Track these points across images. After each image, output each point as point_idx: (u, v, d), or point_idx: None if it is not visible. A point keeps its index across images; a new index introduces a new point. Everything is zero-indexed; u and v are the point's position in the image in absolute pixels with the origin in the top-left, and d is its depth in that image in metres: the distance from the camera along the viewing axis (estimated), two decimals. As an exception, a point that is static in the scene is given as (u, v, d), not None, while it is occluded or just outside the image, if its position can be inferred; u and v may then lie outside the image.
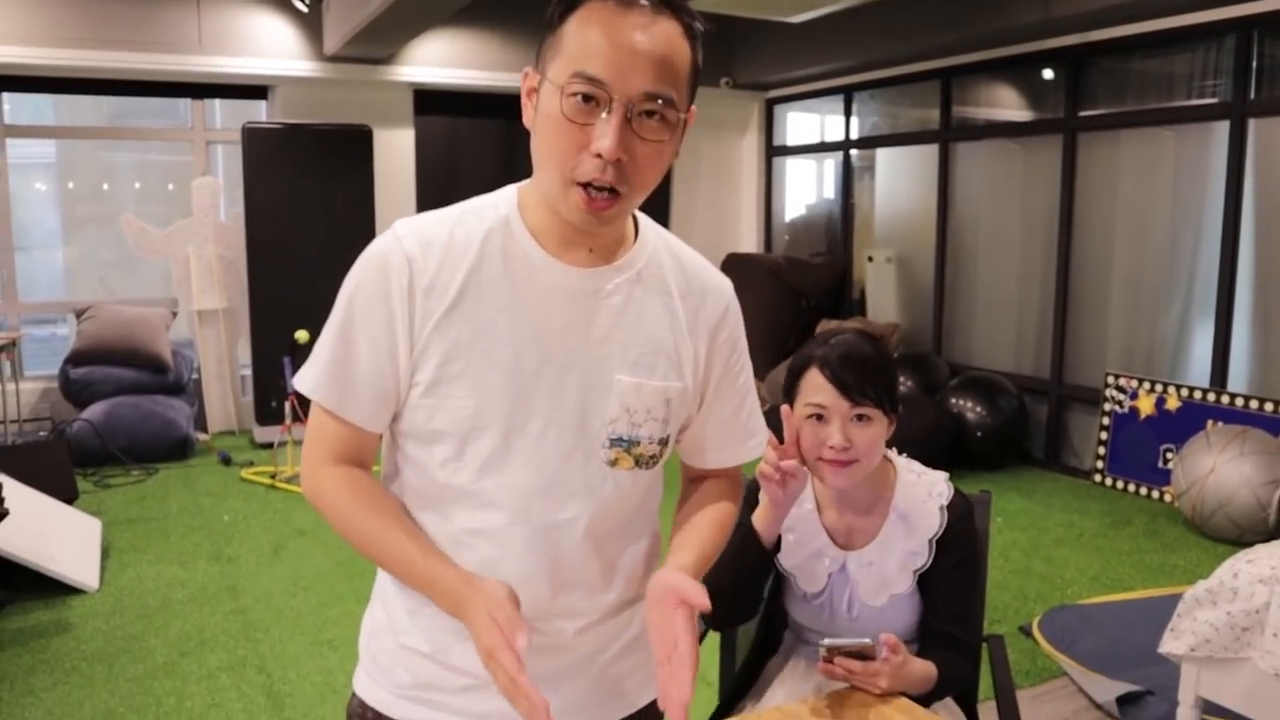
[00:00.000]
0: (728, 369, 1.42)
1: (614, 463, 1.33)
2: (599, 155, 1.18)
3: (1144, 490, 5.58)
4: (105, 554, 4.62)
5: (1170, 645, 2.94)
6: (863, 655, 1.57)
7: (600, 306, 1.31)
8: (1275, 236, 5.24)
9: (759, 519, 1.78)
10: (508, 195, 1.34)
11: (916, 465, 1.91)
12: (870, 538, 1.84)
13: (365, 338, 1.28)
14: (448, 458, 1.30)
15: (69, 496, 5.11)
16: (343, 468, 1.33)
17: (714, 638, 2.18)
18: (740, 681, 1.98)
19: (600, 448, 1.32)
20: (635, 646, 1.45)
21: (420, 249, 1.27)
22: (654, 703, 1.52)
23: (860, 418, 1.75)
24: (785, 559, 1.88)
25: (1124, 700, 3.31)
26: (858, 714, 1.54)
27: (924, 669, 1.66)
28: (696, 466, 1.51)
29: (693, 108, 1.27)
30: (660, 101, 1.19)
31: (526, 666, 1.21)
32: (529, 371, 1.28)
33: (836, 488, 1.83)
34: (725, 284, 1.44)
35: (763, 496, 1.77)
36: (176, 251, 6.78)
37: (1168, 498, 5.42)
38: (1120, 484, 5.70)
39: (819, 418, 1.76)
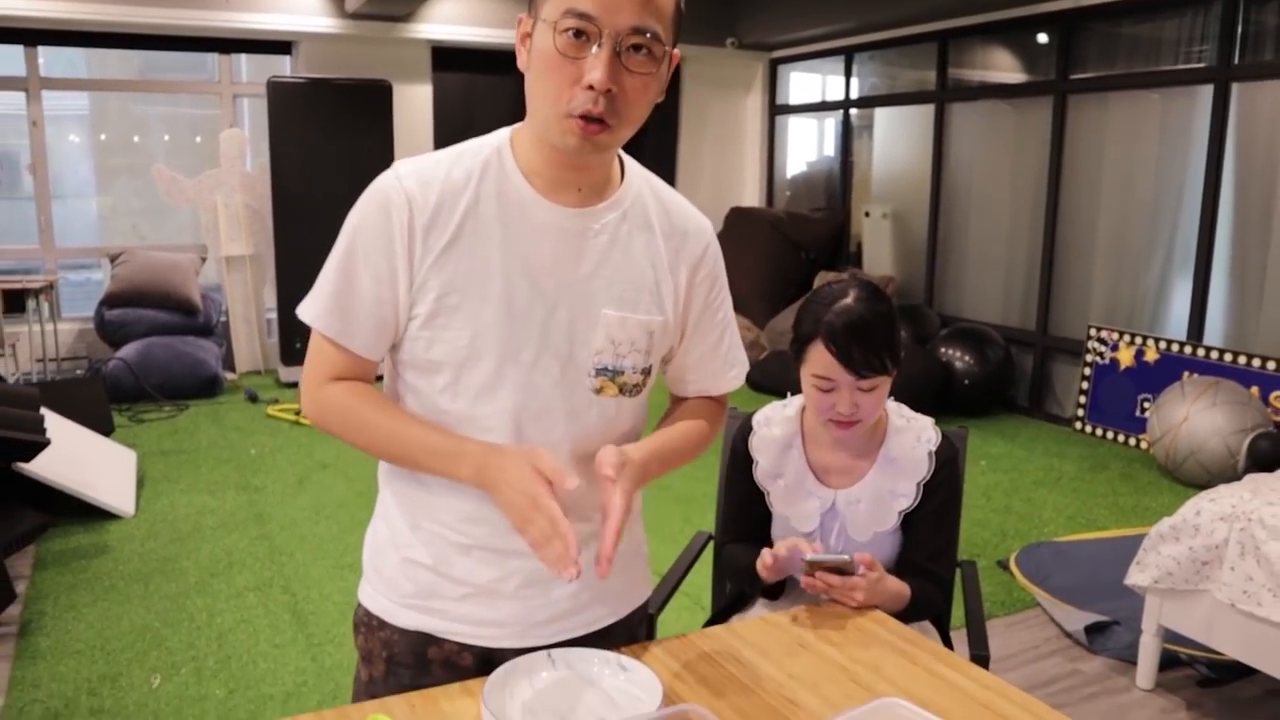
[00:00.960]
0: (707, 304, 1.46)
1: (599, 390, 1.37)
2: (591, 87, 1.21)
3: (1121, 437, 5.62)
4: (140, 483, 4.70)
5: (1135, 577, 3.01)
6: (842, 570, 1.61)
7: (588, 244, 1.34)
8: (1254, 197, 5.23)
9: (763, 569, 1.72)
10: (501, 137, 1.37)
11: (906, 411, 1.92)
12: (858, 478, 1.86)
13: (367, 270, 1.31)
14: (445, 385, 1.34)
15: (106, 430, 5.19)
16: (344, 382, 1.36)
17: (706, 565, 2.24)
18: (731, 601, 2.03)
19: (587, 376, 1.36)
20: (629, 560, 1.50)
21: (420, 188, 1.30)
22: (642, 608, 1.58)
23: (866, 388, 1.75)
24: (778, 504, 1.91)
25: (1092, 629, 3.38)
26: (835, 624, 1.59)
27: (898, 587, 1.71)
28: (679, 395, 1.55)
29: (676, 50, 1.29)
30: (647, 35, 1.22)
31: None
32: (521, 305, 1.31)
33: (841, 440, 1.85)
34: (705, 224, 1.47)
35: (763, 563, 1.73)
36: (205, 200, 6.81)
37: (1143, 445, 5.46)
38: (1099, 431, 5.74)
39: (827, 388, 1.76)
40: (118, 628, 3.32)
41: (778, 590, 1.88)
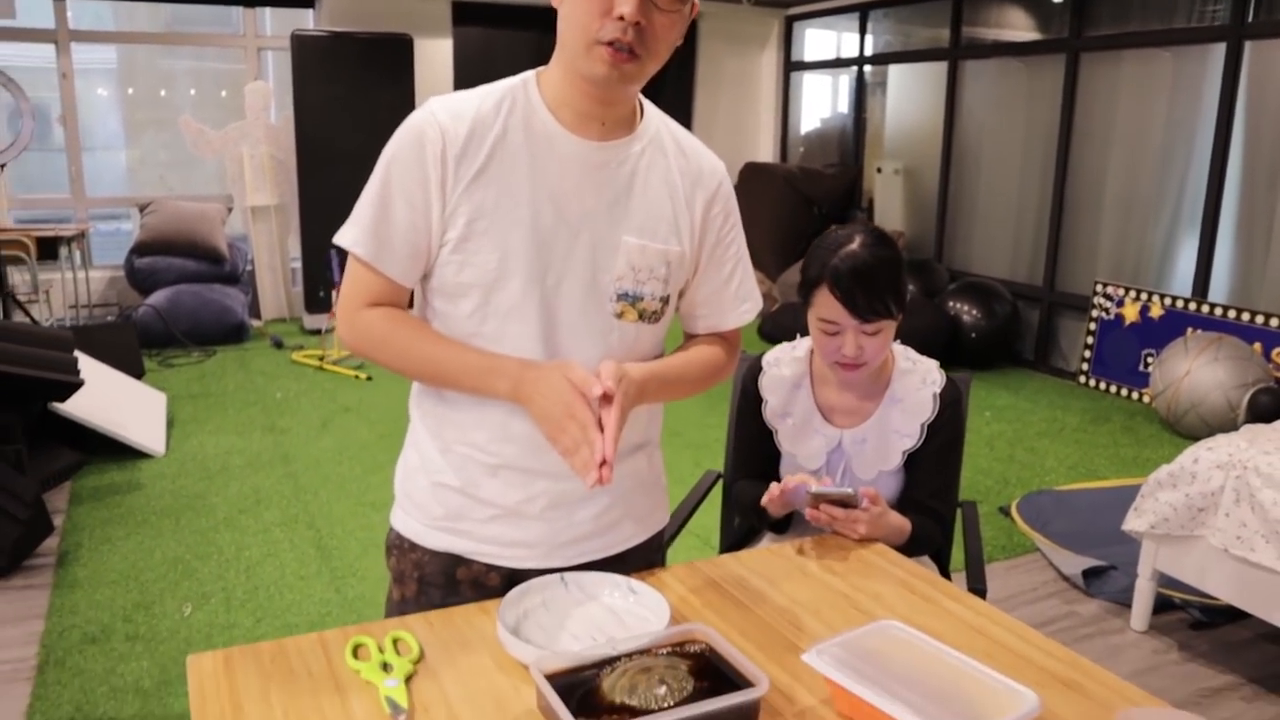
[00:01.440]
0: (720, 239, 1.49)
1: (620, 315, 1.41)
2: (621, 18, 1.25)
3: (1124, 391, 5.62)
4: (170, 424, 4.77)
5: (1133, 523, 3.02)
6: (845, 503, 1.64)
7: (610, 175, 1.38)
8: (1263, 156, 5.16)
9: (769, 502, 1.74)
10: (526, 77, 1.41)
11: (912, 353, 1.93)
12: (864, 418, 1.88)
13: (402, 199, 1.34)
14: (474, 308, 1.38)
15: (137, 373, 5.25)
16: (380, 308, 1.39)
17: (715, 506, 2.27)
18: (740, 536, 2.06)
19: (608, 301, 1.40)
20: (649, 486, 1.54)
21: (451, 121, 1.34)
22: (659, 534, 1.62)
23: (871, 331, 1.76)
24: (786, 442, 1.92)
25: (1089, 573, 3.40)
26: (838, 555, 1.62)
27: (899, 522, 1.73)
28: (690, 332, 1.58)
29: (696, 1, 1.35)
30: None
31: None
32: (546, 230, 1.35)
33: (847, 382, 1.87)
34: (719, 164, 1.51)
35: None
36: (231, 151, 6.81)
37: (1145, 399, 5.46)
38: (1102, 385, 5.74)
39: (832, 331, 1.77)
40: (150, 559, 3.39)
41: (784, 524, 1.91)
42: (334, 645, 1.29)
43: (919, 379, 1.88)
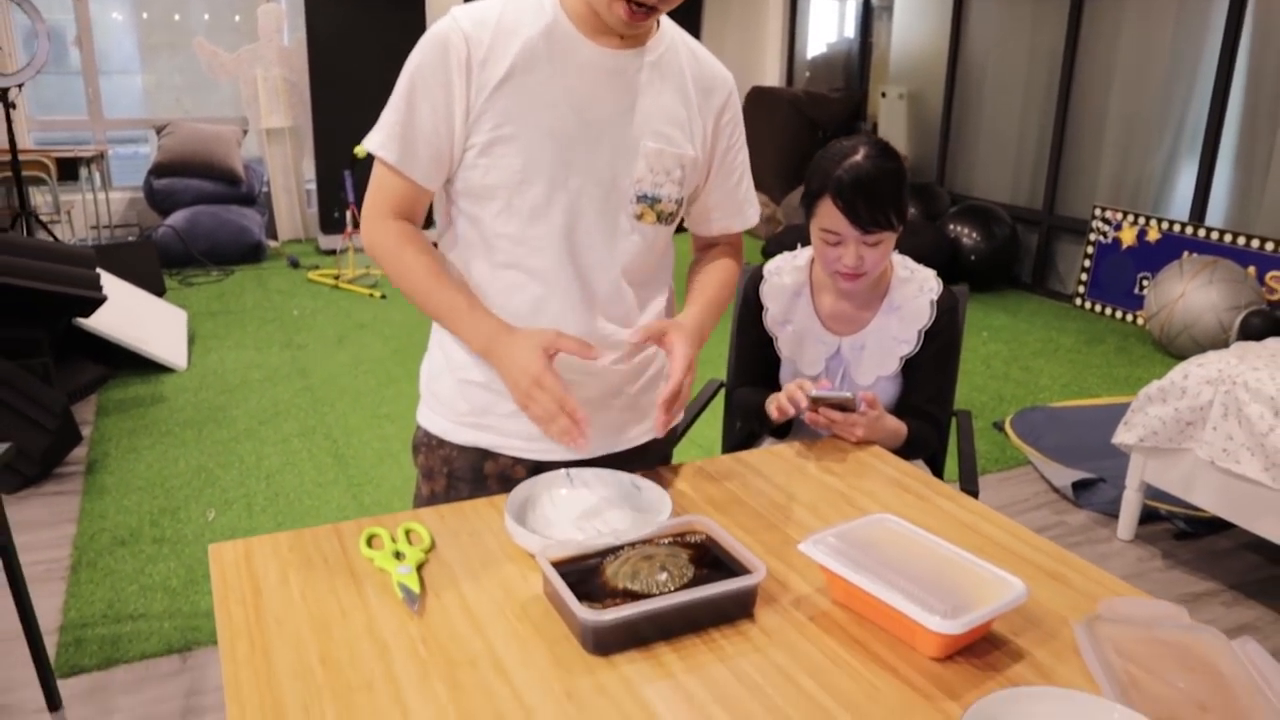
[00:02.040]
0: (730, 145, 1.51)
1: (640, 217, 1.42)
2: None
3: (1119, 313, 5.58)
4: (191, 340, 4.78)
5: (1122, 436, 3.03)
6: (844, 407, 1.64)
7: (629, 82, 1.38)
8: (1266, 81, 5.04)
9: (771, 408, 1.74)
10: None
11: (910, 262, 1.91)
12: (862, 326, 1.87)
13: (427, 104, 1.34)
14: (500, 210, 1.38)
15: (158, 291, 5.25)
16: (399, 222, 1.41)
17: (716, 418, 2.27)
18: (741, 441, 2.07)
19: (629, 203, 1.41)
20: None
21: (475, 28, 1.33)
22: (675, 426, 1.63)
23: (871, 243, 1.74)
24: (785, 347, 1.92)
25: (1078, 485, 3.42)
26: (836, 456, 1.63)
27: (896, 425, 1.74)
28: (703, 235, 1.60)
29: None
30: None
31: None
32: (569, 134, 1.35)
33: (847, 291, 1.85)
34: (729, 75, 1.51)
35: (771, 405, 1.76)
36: (245, 74, 6.70)
37: (1139, 320, 5.43)
38: (1098, 307, 5.70)
39: (834, 241, 1.75)
40: (175, 468, 3.43)
41: (784, 429, 1.91)
42: (349, 536, 1.30)
43: (916, 287, 1.86)
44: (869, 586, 1.10)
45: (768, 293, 1.91)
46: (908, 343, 1.84)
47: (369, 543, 1.28)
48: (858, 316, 1.87)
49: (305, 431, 3.75)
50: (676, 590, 1.11)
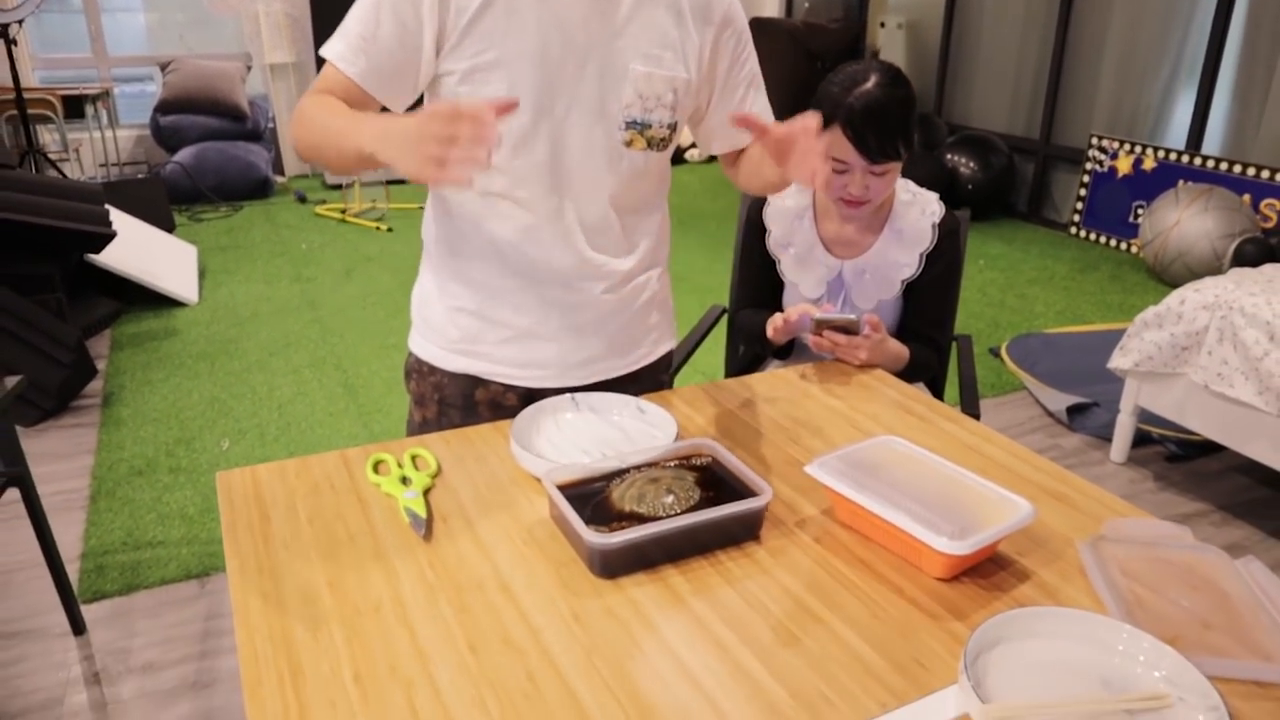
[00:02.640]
0: (735, 59, 1.42)
1: (629, 143, 1.34)
2: None
3: (1113, 242, 5.50)
4: (201, 275, 4.72)
5: (1118, 361, 2.99)
6: (848, 330, 1.59)
7: (616, 4, 1.29)
8: (1266, 10, 4.88)
9: (773, 330, 1.69)
10: None
11: (912, 186, 1.85)
12: (864, 249, 1.81)
13: (394, 18, 1.25)
14: None
15: (168, 227, 5.17)
16: (332, 96, 1.25)
17: (719, 345, 2.23)
18: (743, 364, 2.03)
19: (617, 129, 1.33)
20: (655, 305, 1.51)
21: None
22: (667, 355, 1.58)
23: (879, 172, 1.67)
24: (788, 271, 1.86)
25: (1072, 410, 3.39)
26: (840, 379, 1.58)
27: (898, 349, 1.69)
28: (717, 152, 1.52)
29: None
30: None
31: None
32: (554, 59, 1.27)
33: (850, 217, 1.79)
34: None
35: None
36: (246, 9, 6.52)
37: (1134, 249, 5.35)
38: (1093, 236, 5.61)
39: (840, 170, 1.68)
40: (189, 399, 3.40)
41: (787, 352, 1.87)
42: (355, 462, 1.27)
43: (919, 210, 1.80)
44: (875, 508, 1.06)
45: (771, 215, 1.85)
46: (909, 266, 1.79)
47: (375, 469, 1.25)
48: (860, 240, 1.81)
49: (315, 362, 3.71)
50: (683, 513, 1.08)
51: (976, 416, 1.78)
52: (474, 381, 1.46)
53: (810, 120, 1.16)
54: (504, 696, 0.86)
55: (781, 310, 1.76)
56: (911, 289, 1.81)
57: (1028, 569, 1.08)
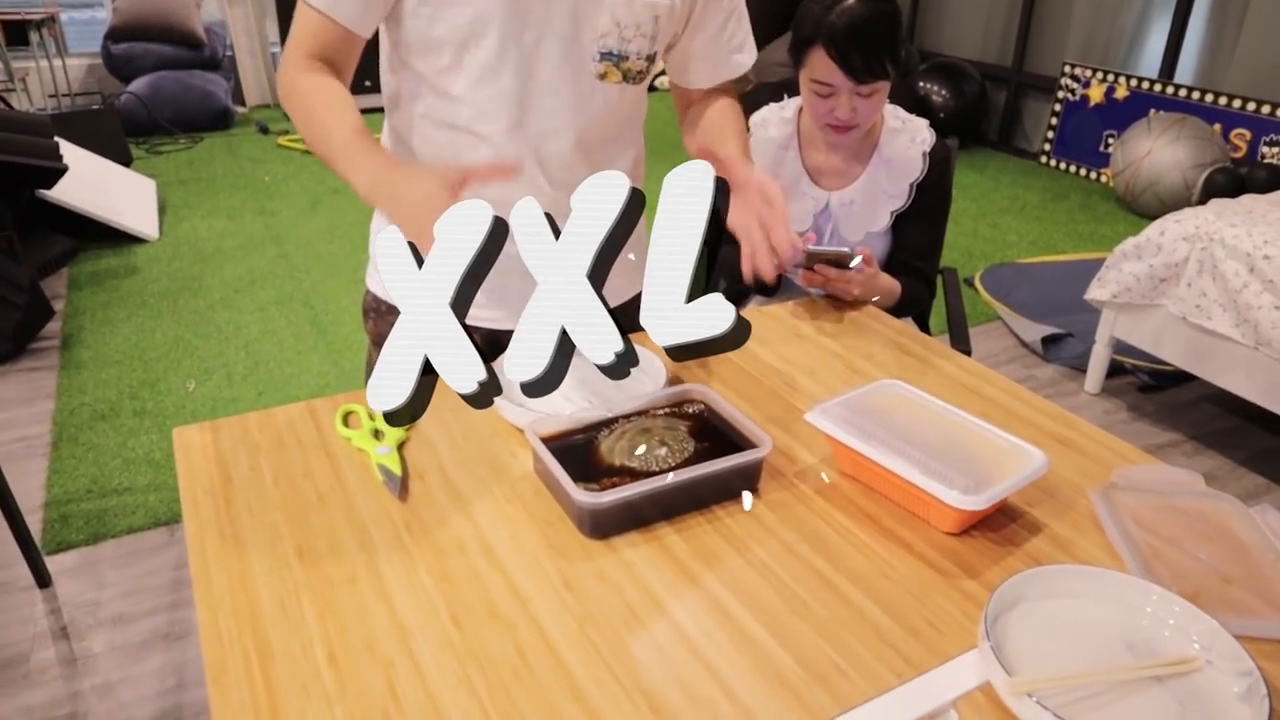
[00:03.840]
0: None
1: (603, 76, 1.22)
2: None
3: (1084, 171, 5.42)
4: (161, 210, 4.51)
5: (1095, 292, 2.93)
6: (839, 264, 1.50)
7: None
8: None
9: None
10: None
11: (901, 112, 1.74)
12: (851, 180, 1.71)
13: None
14: (446, 67, 1.18)
15: (125, 160, 4.94)
16: (320, 74, 1.15)
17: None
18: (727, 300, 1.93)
19: (590, 61, 1.20)
20: (633, 244, 1.39)
21: None
22: (637, 296, 1.48)
23: (866, 93, 1.57)
24: None
25: (1047, 340, 3.35)
26: (831, 317, 1.50)
27: (890, 283, 1.61)
28: (685, 86, 1.39)
29: None
30: None
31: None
32: None
33: (837, 144, 1.69)
34: None
35: None
36: (198, -70, 6.17)
37: (1104, 179, 5.28)
38: (1063, 165, 5.53)
39: (826, 93, 1.58)
40: (152, 339, 3.25)
41: (772, 289, 1.77)
42: (323, 414, 1.17)
43: (908, 138, 1.70)
44: (884, 460, 0.98)
45: (753, 146, 1.74)
46: (898, 197, 1.69)
47: (345, 421, 1.15)
48: (847, 170, 1.71)
49: (282, 299, 3.57)
50: (677, 467, 0.99)
51: (968, 352, 1.72)
52: None
53: (773, 192, 1.15)
54: (492, 674, 0.78)
55: None
56: (900, 220, 1.72)
57: (1039, 521, 1.01)
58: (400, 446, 1.09)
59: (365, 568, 0.89)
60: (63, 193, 3.86)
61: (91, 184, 4.18)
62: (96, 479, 2.47)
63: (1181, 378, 3.11)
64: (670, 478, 0.96)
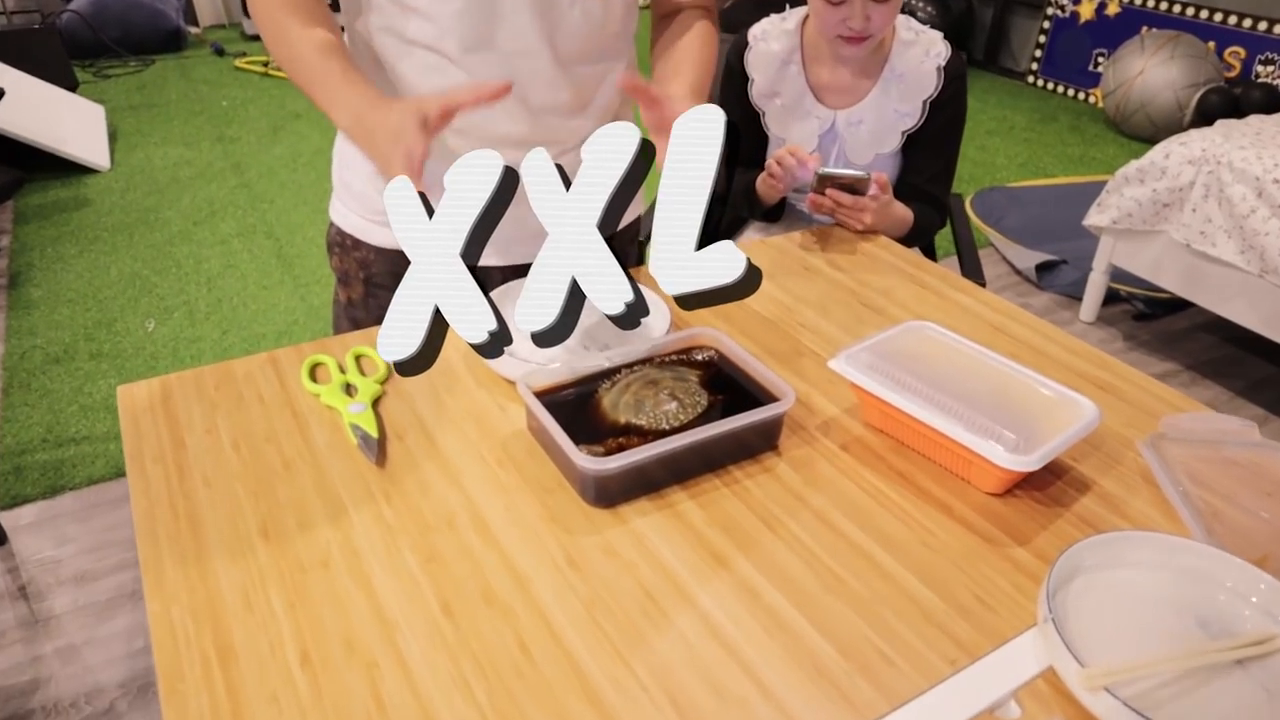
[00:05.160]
0: None
1: None
2: None
3: (1072, 92, 5.28)
4: (112, 138, 4.27)
5: (1094, 218, 2.83)
6: (853, 189, 1.38)
7: None
8: None
9: (763, 186, 1.51)
10: None
11: (914, 23, 1.60)
12: (859, 97, 1.58)
13: None
14: None
15: (69, 85, 4.66)
16: None
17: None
18: (726, 226, 1.81)
19: None
20: None
21: None
22: (635, 222, 1.37)
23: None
24: (774, 125, 1.63)
25: (1041, 267, 3.26)
26: (842, 248, 1.38)
27: (904, 212, 1.49)
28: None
29: None
30: None
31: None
32: None
33: (846, 58, 1.55)
34: None
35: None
36: None
37: (1093, 99, 5.14)
38: (1051, 85, 5.38)
39: (837, 1, 1.44)
40: (107, 276, 3.08)
41: (774, 214, 1.65)
42: (288, 366, 1.05)
43: (922, 51, 1.56)
44: (923, 415, 0.88)
45: (753, 62, 1.60)
46: (910, 115, 1.57)
47: (313, 374, 1.03)
48: (855, 86, 1.58)
49: (244, 231, 3.39)
50: (690, 424, 0.89)
51: (982, 284, 1.61)
52: (404, 258, 1.22)
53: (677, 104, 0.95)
54: (491, 673, 0.68)
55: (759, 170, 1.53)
56: (912, 141, 1.59)
57: (1086, 477, 0.92)
58: (375, 403, 0.98)
59: (340, 548, 0.79)
60: (4, 121, 3.63)
61: (34, 110, 3.94)
62: (52, 427, 2.34)
63: (1176, 305, 3.04)
64: (683, 438, 0.85)
